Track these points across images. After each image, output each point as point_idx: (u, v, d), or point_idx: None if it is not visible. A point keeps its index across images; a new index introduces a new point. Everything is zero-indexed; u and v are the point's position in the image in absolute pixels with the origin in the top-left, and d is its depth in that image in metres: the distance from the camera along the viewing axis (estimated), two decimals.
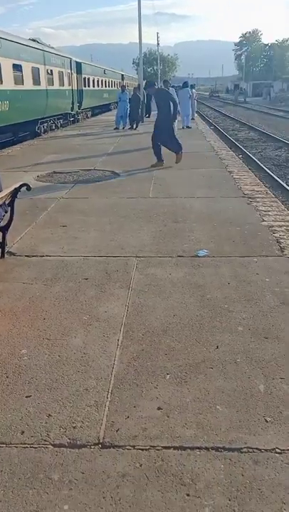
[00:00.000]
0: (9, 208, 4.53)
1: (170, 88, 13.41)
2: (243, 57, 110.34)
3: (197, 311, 3.38)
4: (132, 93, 19.39)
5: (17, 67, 14.75)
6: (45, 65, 18.04)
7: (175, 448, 2.09)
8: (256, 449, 2.07)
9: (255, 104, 48.51)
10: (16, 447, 2.10)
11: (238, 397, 2.44)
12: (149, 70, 76.92)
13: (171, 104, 9.32)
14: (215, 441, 2.12)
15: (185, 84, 18.25)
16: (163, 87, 13.37)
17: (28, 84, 15.91)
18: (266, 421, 2.25)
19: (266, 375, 2.60)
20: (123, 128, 18.46)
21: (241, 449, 2.07)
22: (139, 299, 3.60)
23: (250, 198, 6.69)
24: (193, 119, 19.68)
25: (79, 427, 2.23)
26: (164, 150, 9.52)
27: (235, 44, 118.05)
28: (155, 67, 76.63)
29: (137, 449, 2.09)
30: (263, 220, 5.57)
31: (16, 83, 14.53)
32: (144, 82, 11.18)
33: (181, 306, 3.46)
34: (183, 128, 16.28)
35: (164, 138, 9.55)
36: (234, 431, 2.18)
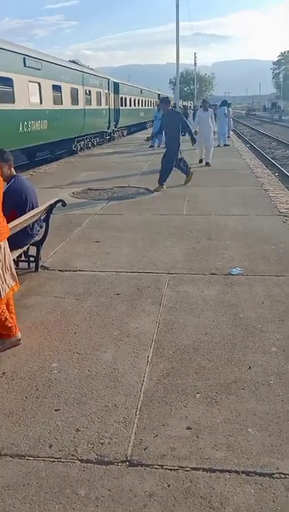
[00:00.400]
0: (44, 223, 4.63)
1: (209, 109, 12.92)
2: (281, 75, 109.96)
3: (229, 330, 3.31)
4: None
5: (56, 88, 15.24)
6: (83, 85, 18.56)
7: (204, 470, 2.03)
8: None
9: None
10: (44, 461, 2.10)
11: (270, 420, 2.36)
12: (185, 89, 77.79)
13: (180, 126, 9.09)
14: (246, 465, 2.05)
15: (223, 103, 18.45)
16: (202, 106, 13.16)
17: (67, 104, 16.38)
18: None
19: None
20: (158, 146, 18.66)
21: (273, 474, 1.99)
22: (170, 315, 3.57)
23: (286, 216, 6.57)
24: (229, 137, 19.64)
25: (107, 443, 2.20)
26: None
27: (274, 63, 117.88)
28: (192, 87, 77.49)
29: (165, 468, 2.04)
30: None
31: (54, 103, 14.99)
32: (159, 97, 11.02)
33: (213, 325, 3.41)
34: (219, 146, 16.31)
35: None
36: (266, 455, 2.10)
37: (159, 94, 43.15)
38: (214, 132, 12.94)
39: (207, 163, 12.28)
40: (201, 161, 12.59)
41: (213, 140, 12.93)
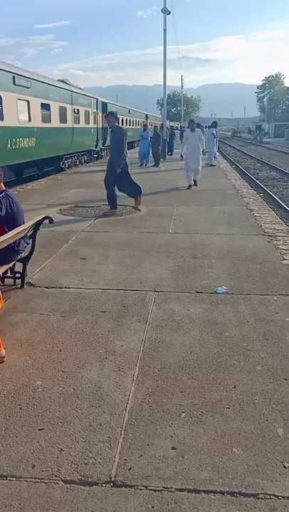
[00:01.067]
0: (31, 240, 4.62)
1: (196, 129, 12.48)
2: (265, 99, 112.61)
3: (215, 349, 3.32)
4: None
5: (45, 106, 15.37)
6: (72, 104, 18.75)
7: (189, 490, 2.01)
8: (273, 495, 1.98)
9: (276, 144, 49.04)
10: (26, 481, 2.06)
11: (255, 440, 2.35)
12: (172, 110, 79.18)
13: (125, 143, 8.67)
14: (231, 486, 2.03)
15: (213, 124, 18.96)
16: (189, 126, 12.85)
17: (55, 123, 16.50)
18: (284, 466, 2.16)
19: (285, 419, 2.52)
20: (145, 165, 18.89)
21: (258, 494, 1.98)
22: (156, 334, 3.57)
23: (270, 236, 6.67)
24: (215, 157, 20.01)
25: (91, 463, 2.17)
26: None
27: (258, 87, 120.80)
28: (178, 108, 78.89)
29: (150, 489, 2.02)
30: (284, 259, 5.53)
31: (43, 121, 15.09)
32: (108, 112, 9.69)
33: (199, 343, 3.41)
34: (207, 165, 16.58)
35: (120, 180, 8.76)
36: (251, 475, 2.10)
37: (146, 115, 43.80)
38: (203, 151, 12.70)
39: (194, 181, 12.13)
40: (190, 187, 11.90)
41: (201, 160, 12.69)
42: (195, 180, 12.15)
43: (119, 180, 8.74)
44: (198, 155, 12.26)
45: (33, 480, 2.07)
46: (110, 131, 9.12)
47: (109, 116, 8.94)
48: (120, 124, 30.22)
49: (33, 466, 2.15)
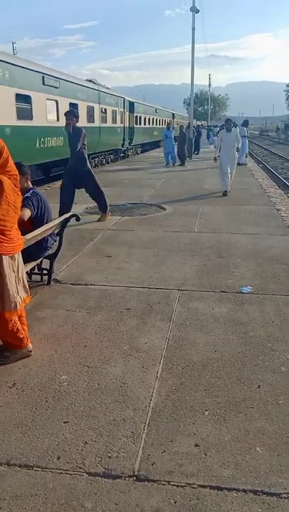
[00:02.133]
0: (58, 238, 4.70)
1: (233, 129, 11.33)
2: None
3: (239, 348, 3.31)
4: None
5: (73, 106, 15.54)
6: (99, 103, 18.90)
7: (212, 487, 2.02)
8: None
9: None
10: (52, 472, 2.11)
11: (279, 440, 2.34)
12: (199, 109, 78.75)
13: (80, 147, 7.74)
14: (253, 484, 2.03)
15: (244, 123, 18.81)
16: (225, 126, 11.38)
17: (83, 122, 16.64)
18: None
19: None
20: (173, 164, 18.88)
21: (281, 494, 1.97)
22: (180, 332, 3.58)
23: None
24: (246, 156, 19.92)
25: (114, 457, 2.21)
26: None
27: (287, 85, 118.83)
28: (206, 107, 78.38)
29: (172, 484, 2.04)
30: None
31: None
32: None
33: (223, 342, 3.41)
34: (237, 164, 16.43)
35: (87, 187, 7.95)
36: (274, 475, 2.09)
37: (173, 114, 43.72)
38: (238, 149, 11.31)
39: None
40: (225, 194, 10.54)
41: (236, 163, 11.57)
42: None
43: (81, 186, 7.87)
44: (234, 158, 11.18)
45: (58, 471, 2.11)
46: (69, 133, 7.96)
47: (69, 115, 7.76)
48: (146, 124, 30.40)
49: (58, 458, 2.20)
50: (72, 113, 7.93)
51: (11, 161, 2.97)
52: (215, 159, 11.59)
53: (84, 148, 7.83)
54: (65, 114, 7.90)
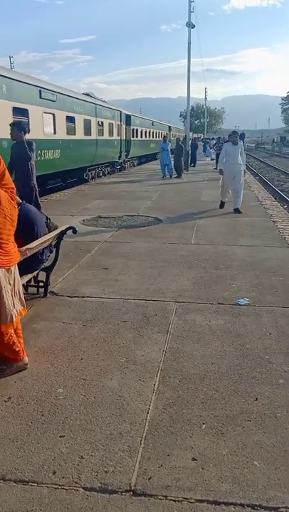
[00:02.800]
0: (55, 249, 4.69)
1: (239, 142, 9.97)
2: None
3: (236, 361, 3.30)
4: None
5: (70, 119, 15.67)
6: (96, 117, 19.06)
7: (209, 502, 2.00)
8: None
9: None
10: (47, 487, 2.08)
11: (277, 453, 2.32)
12: (196, 122, 79.48)
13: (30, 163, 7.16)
14: (251, 498, 2.01)
15: (241, 136, 18.96)
16: (230, 138, 9.97)
17: (80, 135, 16.78)
18: None
19: None
20: (170, 176, 19.01)
21: (279, 508, 1.96)
22: (177, 344, 3.57)
23: None
24: (245, 170, 20.07)
25: (111, 471, 2.18)
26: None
27: (283, 98, 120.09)
28: (202, 120, 79.16)
29: (170, 499, 2.01)
30: None
31: (68, 133, 15.38)
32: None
33: (220, 355, 3.40)
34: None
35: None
36: (272, 489, 2.07)
37: (169, 127, 44.08)
38: (245, 170, 10.27)
39: (237, 210, 9.70)
40: (222, 205, 10.19)
41: (243, 180, 10.25)
42: (237, 209, 9.75)
43: None
44: (241, 174, 9.87)
45: (54, 486, 2.09)
46: (13, 148, 7.31)
47: (15, 127, 7.16)
48: (143, 137, 30.64)
49: (54, 473, 2.17)
50: (15, 125, 7.26)
51: (8, 174, 2.98)
52: (220, 171, 10.27)
53: (32, 164, 7.27)
54: (11, 125, 7.32)
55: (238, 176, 9.79)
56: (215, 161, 24.17)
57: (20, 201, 4.17)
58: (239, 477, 2.15)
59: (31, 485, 2.10)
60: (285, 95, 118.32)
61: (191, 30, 23.97)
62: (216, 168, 22.48)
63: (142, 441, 2.41)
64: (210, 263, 5.82)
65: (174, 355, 3.38)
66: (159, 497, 2.03)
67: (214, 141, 37.70)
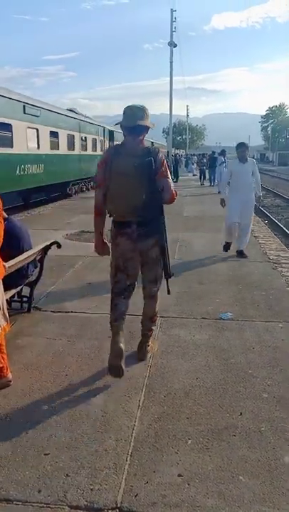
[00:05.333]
0: (39, 264, 4.68)
1: (250, 159, 7.08)
2: (269, 128, 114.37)
3: (221, 375, 3.32)
4: None
5: (54, 134, 15.74)
6: (79, 132, 19.20)
7: None
8: None
9: (280, 172, 49.54)
10: (32, 506, 2.05)
11: (262, 468, 2.34)
12: (178, 138, 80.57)
13: None
14: None
15: (222, 152, 19.39)
16: (238, 152, 7.01)
17: (63, 150, 16.86)
18: None
19: None
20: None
21: None
22: (162, 359, 3.58)
23: (275, 263, 6.71)
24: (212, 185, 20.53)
25: (96, 489, 2.17)
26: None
27: (262, 117, 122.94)
28: (184, 136, 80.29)
29: None
30: None
31: (51, 148, 15.44)
32: None
33: (205, 369, 3.42)
34: (220, 192, 16.78)
35: None
36: (257, 503, 2.08)
37: (152, 142, 44.56)
38: (260, 197, 7.53)
39: (241, 253, 7.11)
40: (227, 248, 7.26)
41: (253, 214, 7.54)
42: (241, 251, 7.14)
43: None
44: (252, 204, 7.16)
45: (39, 505, 2.06)
46: None
47: None
48: None
49: (39, 491, 2.15)
50: None
51: None
52: (222, 202, 7.55)
53: None
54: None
55: (248, 207, 7.06)
56: (199, 176, 24.50)
57: (6, 216, 4.16)
58: (225, 492, 2.16)
59: (16, 504, 2.07)
60: (264, 113, 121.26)
61: (173, 49, 24.48)
62: (203, 184, 22.93)
63: (128, 458, 2.40)
64: (194, 278, 5.87)
65: (158, 371, 3.39)
66: None
67: (195, 158, 38.27)
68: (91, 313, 4.56)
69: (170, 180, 3.28)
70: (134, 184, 3.08)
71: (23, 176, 12.99)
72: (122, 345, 3.16)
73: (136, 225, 3.19)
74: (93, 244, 3.58)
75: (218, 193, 16.24)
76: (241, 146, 7.11)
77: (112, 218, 3.35)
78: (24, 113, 12.97)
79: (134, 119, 3.14)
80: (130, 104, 3.31)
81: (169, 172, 3.29)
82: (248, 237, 7.32)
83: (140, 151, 3.16)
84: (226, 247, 7.29)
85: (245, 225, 7.12)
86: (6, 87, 12.81)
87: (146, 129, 3.21)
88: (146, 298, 3.56)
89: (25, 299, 4.61)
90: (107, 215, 3.38)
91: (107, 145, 24.65)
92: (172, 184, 3.29)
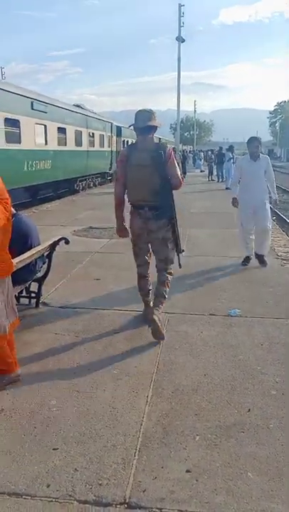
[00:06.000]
0: (47, 260, 4.69)
1: (262, 155, 6.14)
2: (277, 124, 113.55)
3: (229, 372, 3.32)
4: None
5: (61, 130, 15.76)
6: (87, 128, 19.19)
7: None
8: None
9: None
10: (41, 500, 2.06)
11: (270, 464, 2.33)
12: (185, 134, 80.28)
13: None
14: (245, 510, 2.02)
15: (230, 148, 19.39)
16: (249, 149, 7.36)
17: (71, 146, 16.87)
18: None
19: None
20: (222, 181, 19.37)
21: None
22: (170, 355, 3.58)
23: (284, 259, 6.67)
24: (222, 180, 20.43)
25: (105, 484, 2.17)
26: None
27: (270, 112, 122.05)
28: (191, 132, 79.96)
29: None
30: None
31: (59, 144, 15.46)
32: None
33: (213, 366, 3.41)
34: (227, 188, 16.68)
35: None
36: (266, 500, 2.08)
37: (159, 139, 44.45)
38: (276, 201, 6.67)
39: (261, 258, 6.30)
40: (246, 261, 6.32)
41: (270, 217, 6.37)
42: (262, 256, 6.30)
43: None
44: (265, 206, 6.17)
45: (48, 499, 2.07)
46: None
47: None
48: None
49: (48, 486, 2.16)
50: None
51: (2, 185, 2.99)
52: (234, 202, 6.58)
53: None
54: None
55: (262, 209, 6.14)
56: (208, 173, 24.38)
57: (15, 212, 4.17)
58: (233, 489, 2.16)
59: (25, 498, 2.08)
60: (272, 109, 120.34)
61: (181, 44, 24.36)
62: (211, 180, 22.81)
63: (136, 453, 2.40)
64: (201, 274, 5.85)
65: (166, 367, 3.39)
66: (154, 509, 2.03)
67: (202, 154, 38.11)
68: (99, 309, 4.57)
69: (177, 168, 3.88)
70: (151, 172, 3.76)
71: (30, 171, 13.03)
72: (154, 313, 3.81)
73: (148, 208, 3.88)
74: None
75: (226, 189, 16.18)
76: (253, 141, 6.20)
77: (130, 204, 4.04)
78: (32, 109, 12.99)
79: (144, 121, 3.80)
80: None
81: (176, 162, 3.86)
82: (268, 242, 6.44)
83: (152, 146, 3.84)
84: (245, 260, 6.39)
85: (262, 229, 6.21)
86: (13, 83, 12.84)
87: (154, 128, 3.86)
88: (158, 270, 4.15)
89: (33, 295, 4.63)
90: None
91: (114, 141, 24.64)
92: (179, 172, 3.92)
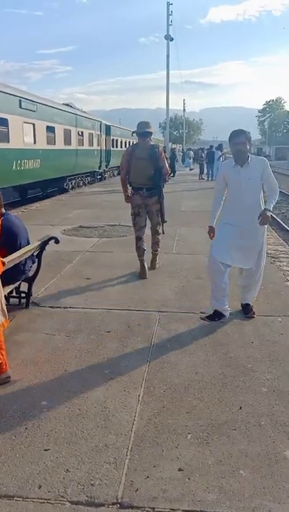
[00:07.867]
0: (37, 260, 4.66)
1: (260, 158, 4.60)
2: (266, 123, 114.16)
3: (220, 370, 3.32)
4: None
5: (50, 129, 15.67)
6: (76, 127, 19.11)
7: None
8: None
9: (278, 167, 49.53)
10: (33, 502, 2.05)
11: (262, 462, 2.34)
12: (174, 133, 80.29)
13: None
14: (238, 508, 2.02)
15: (219, 147, 19.65)
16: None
17: (60, 144, 16.79)
18: None
19: None
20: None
21: None
22: (161, 354, 3.57)
23: (273, 257, 6.70)
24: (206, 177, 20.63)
25: (97, 484, 2.16)
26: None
27: (259, 111, 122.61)
28: (180, 131, 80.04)
29: (157, 511, 2.01)
30: (287, 280, 5.55)
31: (48, 143, 15.37)
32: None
33: (204, 364, 3.42)
34: (212, 179, 16.83)
35: None
36: (258, 497, 2.08)
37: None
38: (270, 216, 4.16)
39: (246, 308, 4.45)
40: (216, 317, 4.23)
41: (265, 252, 4.55)
42: (248, 305, 4.47)
43: None
44: (258, 237, 4.21)
45: (40, 500, 2.06)
46: None
47: None
48: (123, 147, 30.82)
49: (40, 487, 2.14)
50: None
51: None
52: (210, 232, 4.69)
53: None
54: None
55: (252, 238, 4.21)
56: (199, 172, 24.35)
57: (4, 211, 4.13)
58: (225, 486, 2.16)
59: (16, 500, 2.06)
60: (261, 108, 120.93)
61: (170, 42, 24.36)
62: (202, 178, 22.68)
63: (128, 453, 2.40)
64: (191, 272, 5.86)
65: (157, 365, 3.39)
66: (146, 509, 2.02)
67: (191, 152, 38.16)
68: (90, 308, 4.55)
69: (166, 162, 5.71)
70: (148, 164, 5.48)
71: (19, 171, 12.94)
72: (147, 270, 5.70)
73: (145, 188, 5.58)
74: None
75: None
76: (239, 135, 4.13)
77: (131, 186, 5.72)
78: (20, 108, 12.90)
79: (143, 128, 5.50)
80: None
81: (165, 158, 5.67)
82: (258, 287, 4.52)
83: (148, 146, 5.57)
84: (212, 316, 4.24)
85: (253, 271, 4.36)
86: (1, 82, 12.73)
87: (150, 133, 5.54)
88: (152, 233, 5.96)
89: (23, 295, 4.59)
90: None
91: (104, 140, 24.57)
92: (166, 165, 5.74)
